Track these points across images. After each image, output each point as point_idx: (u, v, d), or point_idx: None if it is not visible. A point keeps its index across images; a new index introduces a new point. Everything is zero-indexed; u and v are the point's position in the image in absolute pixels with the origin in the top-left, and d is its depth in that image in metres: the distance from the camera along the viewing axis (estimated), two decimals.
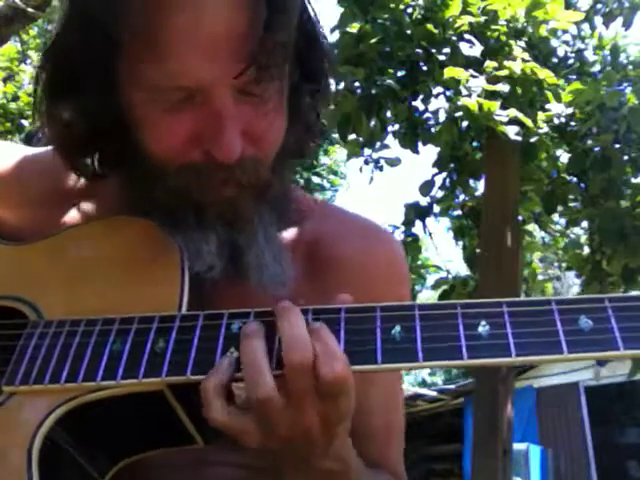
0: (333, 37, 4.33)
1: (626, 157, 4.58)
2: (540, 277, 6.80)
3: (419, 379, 20.49)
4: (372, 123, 4.55)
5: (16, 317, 0.76)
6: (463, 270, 5.84)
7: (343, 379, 0.62)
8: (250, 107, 0.74)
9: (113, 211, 0.84)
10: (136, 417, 0.70)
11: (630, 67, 4.97)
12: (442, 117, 4.40)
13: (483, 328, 0.63)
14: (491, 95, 3.93)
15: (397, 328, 0.64)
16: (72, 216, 0.89)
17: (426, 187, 5.13)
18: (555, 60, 4.98)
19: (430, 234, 5.42)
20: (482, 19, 4.26)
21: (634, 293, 0.64)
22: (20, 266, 0.82)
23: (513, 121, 3.91)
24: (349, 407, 0.64)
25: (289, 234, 0.87)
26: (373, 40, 4.22)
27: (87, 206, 0.90)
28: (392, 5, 4.27)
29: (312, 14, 0.79)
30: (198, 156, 0.74)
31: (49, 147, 0.89)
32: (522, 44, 4.40)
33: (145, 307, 0.71)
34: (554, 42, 4.88)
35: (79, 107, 0.77)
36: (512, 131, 3.90)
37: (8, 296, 0.79)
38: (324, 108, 0.88)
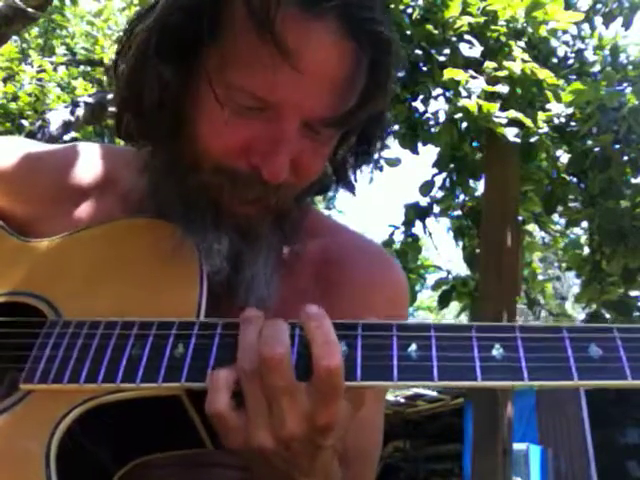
0: None
1: (626, 157, 4.58)
2: (540, 277, 6.80)
3: None
4: None
5: (33, 314, 0.77)
6: (463, 270, 5.84)
7: (336, 371, 0.62)
8: (308, 141, 0.76)
9: (127, 206, 0.85)
10: (150, 420, 0.71)
11: (630, 67, 4.97)
12: (442, 118, 4.41)
13: (497, 351, 0.65)
14: (490, 96, 3.93)
15: (413, 346, 0.66)
16: (86, 212, 0.89)
17: (426, 187, 5.14)
18: (555, 60, 4.98)
19: (430, 234, 5.43)
20: (482, 20, 4.26)
21: None
22: (36, 262, 0.82)
23: (512, 122, 3.91)
24: (337, 416, 0.63)
25: (297, 249, 0.88)
26: None
27: (102, 202, 0.90)
28: (392, 5, 4.27)
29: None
30: (243, 165, 0.76)
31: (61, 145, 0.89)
32: (522, 44, 4.40)
33: (163, 311, 0.72)
34: (554, 42, 4.88)
35: (157, 72, 0.77)
36: (511, 133, 3.90)
37: (25, 292, 0.79)
38: (360, 175, 0.91)
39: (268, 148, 0.74)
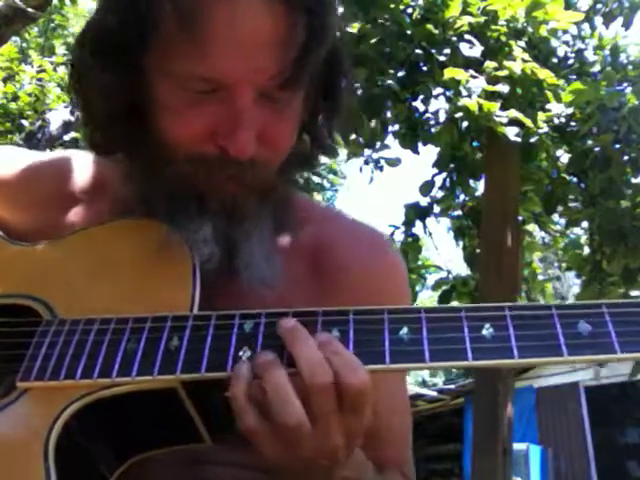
0: None
1: (626, 157, 4.58)
2: (540, 277, 6.81)
3: (419, 379, 20.50)
4: (373, 124, 4.55)
5: (29, 315, 0.77)
6: (463, 270, 5.84)
7: (366, 387, 0.63)
8: (269, 111, 0.76)
9: (119, 209, 0.85)
10: (148, 415, 0.72)
11: (630, 67, 4.98)
12: (442, 118, 4.41)
13: (487, 331, 0.65)
14: (491, 96, 3.93)
15: (404, 329, 0.67)
16: (78, 217, 0.91)
17: (426, 187, 5.14)
18: (555, 60, 4.98)
19: (430, 234, 5.44)
20: (482, 19, 4.26)
21: (629, 300, 0.67)
22: (32, 265, 0.84)
23: (513, 122, 3.92)
24: (369, 418, 0.66)
25: (290, 237, 0.88)
26: (373, 40, 4.22)
27: (92, 207, 0.91)
28: (392, 5, 4.27)
29: (339, 33, 0.81)
30: (211, 149, 0.76)
31: (55, 151, 0.89)
32: (522, 44, 4.40)
33: (158, 308, 0.73)
34: (554, 42, 4.88)
35: (105, 82, 0.77)
36: (512, 132, 3.90)
37: (21, 294, 0.80)
38: (337, 127, 0.90)
39: (230, 127, 0.74)
